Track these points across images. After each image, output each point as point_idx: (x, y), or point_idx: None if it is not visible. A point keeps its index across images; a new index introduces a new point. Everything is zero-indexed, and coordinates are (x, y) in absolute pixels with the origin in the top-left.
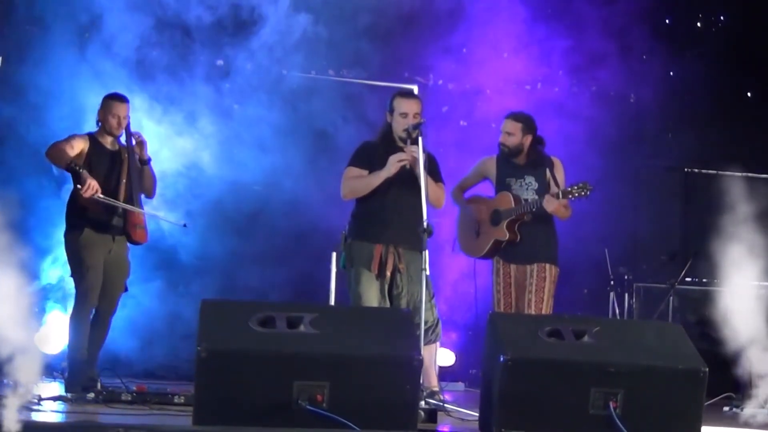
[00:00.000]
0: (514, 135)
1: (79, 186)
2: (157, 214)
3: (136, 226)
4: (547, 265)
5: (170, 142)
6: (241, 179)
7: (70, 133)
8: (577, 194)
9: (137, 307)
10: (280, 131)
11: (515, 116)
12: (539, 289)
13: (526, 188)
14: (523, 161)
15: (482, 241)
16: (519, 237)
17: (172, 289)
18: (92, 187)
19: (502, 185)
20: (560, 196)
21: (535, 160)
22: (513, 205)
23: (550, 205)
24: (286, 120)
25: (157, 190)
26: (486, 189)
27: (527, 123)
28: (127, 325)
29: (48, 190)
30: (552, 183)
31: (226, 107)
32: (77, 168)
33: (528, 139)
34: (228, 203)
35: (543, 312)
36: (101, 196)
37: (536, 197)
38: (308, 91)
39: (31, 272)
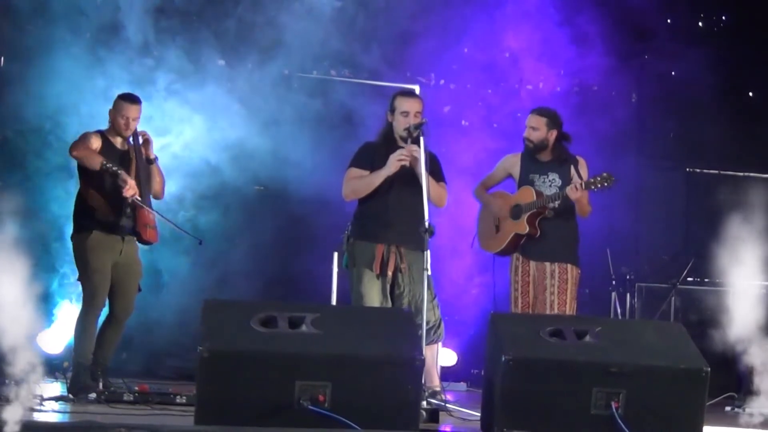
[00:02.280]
0: (538, 129)
1: (120, 185)
2: (176, 225)
3: (147, 225)
4: (569, 266)
5: (172, 142)
6: (251, 178)
7: (82, 133)
8: (600, 185)
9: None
10: (291, 130)
11: (539, 111)
12: (561, 291)
13: (549, 185)
14: (548, 158)
15: (501, 236)
16: (539, 232)
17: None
18: (133, 187)
19: (525, 181)
20: (583, 186)
21: (560, 157)
22: (534, 198)
23: (574, 193)
24: (296, 117)
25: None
26: (509, 187)
27: (552, 118)
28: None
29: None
30: (575, 177)
31: (229, 107)
32: (114, 168)
33: (553, 135)
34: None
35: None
36: (138, 198)
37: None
38: (317, 89)
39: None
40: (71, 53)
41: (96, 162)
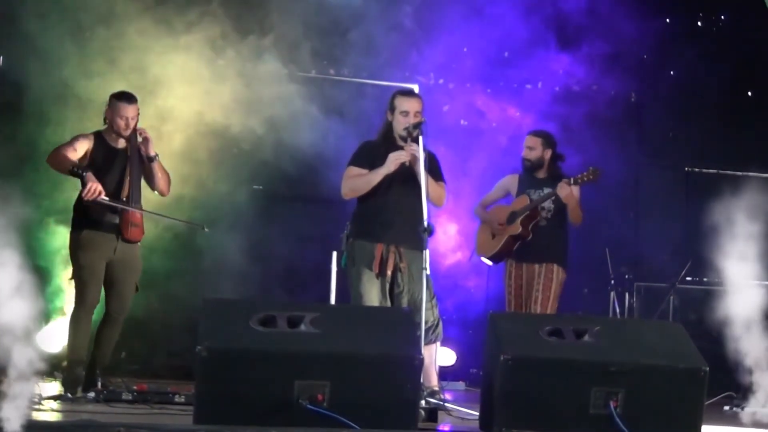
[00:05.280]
0: (535, 149)
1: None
2: (167, 216)
3: (131, 224)
4: (555, 266)
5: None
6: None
7: (74, 136)
8: (587, 179)
9: None
10: (290, 128)
11: (536, 132)
12: (546, 288)
13: None
14: (543, 175)
15: (497, 240)
16: (531, 235)
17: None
18: (93, 190)
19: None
20: (572, 182)
21: (554, 174)
22: (528, 203)
23: (563, 190)
24: (295, 117)
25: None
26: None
27: (547, 138)
28: None
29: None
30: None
31: (228, 106)
32: (80, 171)
33: (548, 153)
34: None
35: (547, 312)
36: (105, 198)
37: (552, 206)
38: (315, 88)
39: None
40: (72, 51)
41: (64, 167)
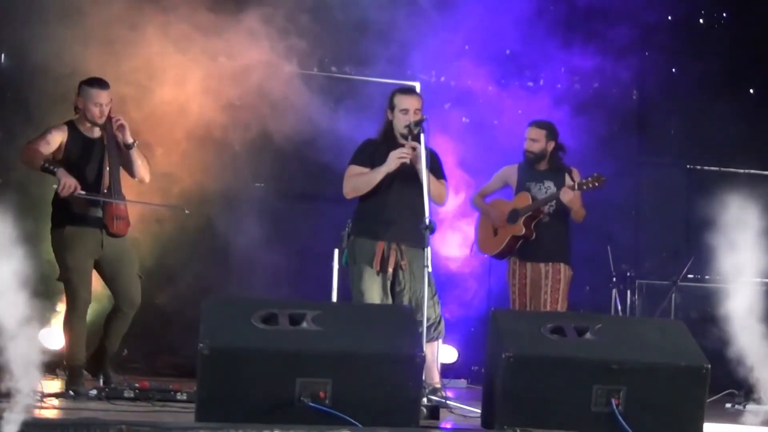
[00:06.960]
0: (538, 141)
1: (55, 186)
2: (155, 204)
3: (116, 217)
4: (562, 265)
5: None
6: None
7: (46, 128)
8: (591, 185)
9: None
10: (291, 126)
11: (538, 123)
12: (554, 289)
13: (545, 191)
14: (544, 167)
15: (499, 238)
16: (534, 235)
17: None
18: (68, 186)
19: (521, 189)
20: (575, 187)
21: (555, 166)
22: (531, 202)
23: (566, 195)
24: (296, 114)
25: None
26: (507, 195)
27: (550, 129)
28: None
29: None
30: (568, 181)
31: (228, 104)
32: (51, 168)
33: (551, 145)
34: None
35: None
36: (81, 192)
37: (554, 202)
38: (317, 85)
39: None
40: (72, 50)
41: (35, 163)
